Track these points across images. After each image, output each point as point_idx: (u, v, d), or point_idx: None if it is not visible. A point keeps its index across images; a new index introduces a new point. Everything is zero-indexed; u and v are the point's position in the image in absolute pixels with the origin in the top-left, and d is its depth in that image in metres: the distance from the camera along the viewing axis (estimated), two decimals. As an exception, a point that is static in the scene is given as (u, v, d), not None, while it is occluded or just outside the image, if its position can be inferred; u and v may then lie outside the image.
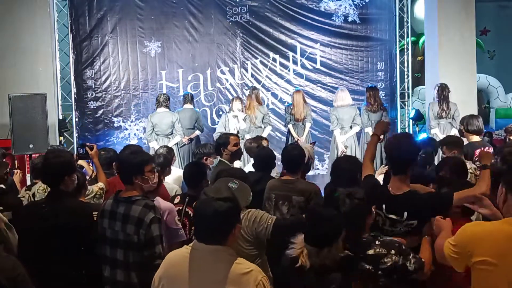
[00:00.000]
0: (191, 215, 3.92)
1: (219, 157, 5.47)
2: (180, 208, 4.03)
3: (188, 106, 9.21)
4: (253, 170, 5.10)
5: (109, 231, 3.38)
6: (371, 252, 2.89)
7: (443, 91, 8.71)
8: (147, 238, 3.24)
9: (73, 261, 3.48)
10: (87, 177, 5.05)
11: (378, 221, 3.33)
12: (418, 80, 14.15)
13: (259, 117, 9.05)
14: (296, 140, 8.79)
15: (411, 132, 10.71)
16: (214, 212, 2.52)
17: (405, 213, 3.28)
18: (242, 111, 8.87)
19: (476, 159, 4.92)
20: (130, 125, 10.10)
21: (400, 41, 10.85)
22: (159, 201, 3.71)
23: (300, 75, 10.57)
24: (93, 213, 3.81)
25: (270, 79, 10.52)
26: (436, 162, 5.60)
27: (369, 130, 9.01)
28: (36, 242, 3.47)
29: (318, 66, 10.60)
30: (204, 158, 5.61)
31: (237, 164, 5.85)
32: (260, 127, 9.06)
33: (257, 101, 9.17)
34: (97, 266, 3.49)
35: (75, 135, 9.87)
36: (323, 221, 2.84)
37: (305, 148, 4.82)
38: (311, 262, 2.78)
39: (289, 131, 9.21)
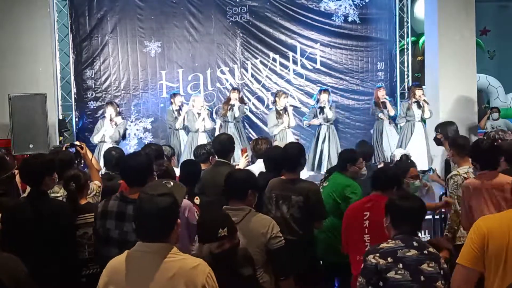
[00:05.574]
0: None
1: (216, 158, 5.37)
2: None
3: None
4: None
5: (115, 232, 3.34)
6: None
7: None
8: None
9: (56, 260, 3.54)
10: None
11: None
12: (418, 80, 14.13)
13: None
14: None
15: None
16: (156, 208, 2.48)
17: None
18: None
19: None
20: (130, 125, 10.05)
21: (400, 41, 10.85)
22: None
23: (300, 75, 10.56)
24: (90, 214, 3.83)
25: (270, 79, 10.51)
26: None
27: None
28: (19, 242, 3.47)
29: (318, 66, 10.59)
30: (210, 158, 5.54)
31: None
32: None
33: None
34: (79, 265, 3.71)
35: (75, 135, 9.85)
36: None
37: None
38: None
39: None
